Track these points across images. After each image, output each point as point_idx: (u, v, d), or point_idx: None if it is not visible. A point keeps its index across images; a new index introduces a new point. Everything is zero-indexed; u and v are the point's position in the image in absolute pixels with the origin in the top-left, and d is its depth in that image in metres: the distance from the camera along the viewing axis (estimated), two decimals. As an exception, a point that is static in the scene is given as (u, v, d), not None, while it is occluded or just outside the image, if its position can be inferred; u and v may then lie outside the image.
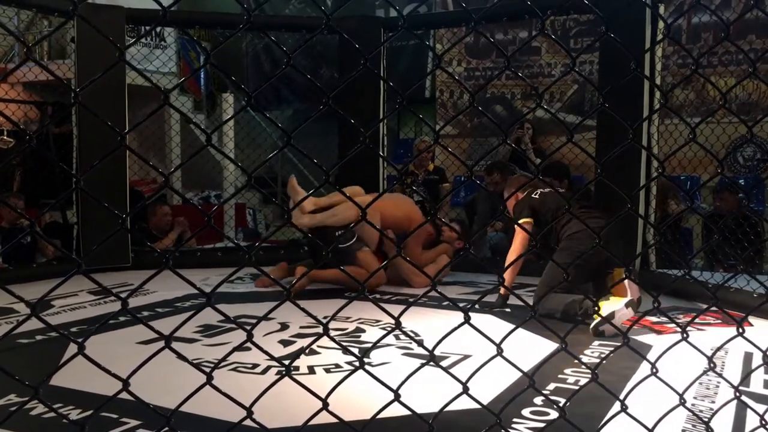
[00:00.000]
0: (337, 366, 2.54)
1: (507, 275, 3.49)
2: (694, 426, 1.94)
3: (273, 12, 7.75)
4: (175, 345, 0.96)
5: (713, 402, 2.15)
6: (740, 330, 1.26)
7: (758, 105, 5.88)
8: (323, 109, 1.06)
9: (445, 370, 1.11)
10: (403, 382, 1.10)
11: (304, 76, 1.03)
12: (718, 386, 2.29)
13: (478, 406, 1.21)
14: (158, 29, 7.32)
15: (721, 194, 5.23)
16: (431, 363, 1.11)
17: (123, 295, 0.94)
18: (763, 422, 1.31)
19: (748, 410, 1.86)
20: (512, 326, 1.20)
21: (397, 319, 1.06)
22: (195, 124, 5.75)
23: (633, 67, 1.41)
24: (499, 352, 1.12)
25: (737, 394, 1.28)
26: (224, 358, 1.08)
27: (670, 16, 5.34)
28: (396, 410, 1.13)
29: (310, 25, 5.58)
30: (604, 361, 1.43)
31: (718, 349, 1.39)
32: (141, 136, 6.88)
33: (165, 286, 3.75)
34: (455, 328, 1.11)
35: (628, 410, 1.22)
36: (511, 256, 3.59)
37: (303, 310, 1.08)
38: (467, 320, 1.09)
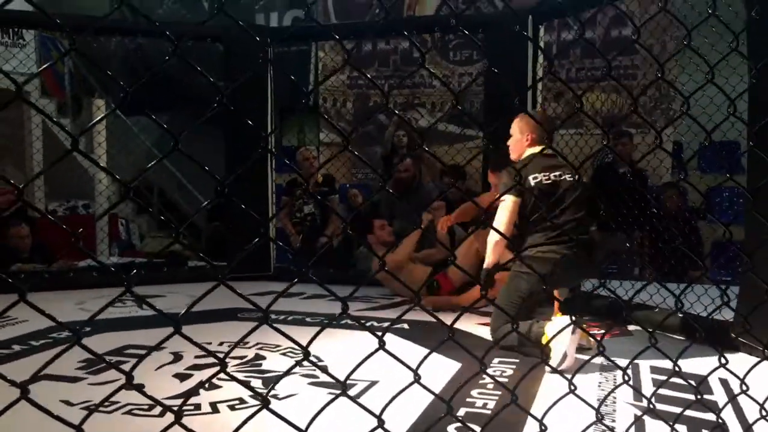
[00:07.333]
0: (242, 401, 2.27)
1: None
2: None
3: (145, 11, 7.31)
4: (57, 385, 0.81)
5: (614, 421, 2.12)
6: (653, 341, 1.25)
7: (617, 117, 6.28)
8: (215, 109, 0.93)
9: (358, 403, 1.00)
10: (312, 421, 0.97)
11: (180, 82, 0.89)
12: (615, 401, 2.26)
13: (391, 437, 1.10)
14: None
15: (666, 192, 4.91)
16: (342, 395, 0.99)
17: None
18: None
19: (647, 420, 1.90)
20: (414, 345, 1.10)
21: (305, 349, 0.93)
22: (59, 126, 5.24)
23: (516, 104, 1.37)
24: (417, 379, 1.02)
25: (650, 405, 1.27)
26: (103, 402, 0.91)
27: (546, 33, 5.57)
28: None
29: (193, 33, 5.28)
30: (518, 383, 1.38)
31: (630, 362, 1.38)
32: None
33: (36, 314, 3.29)
34: (369, 355, 1.00)
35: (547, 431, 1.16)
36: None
37: (190, 340, 0.93)
38: (382, 346, 0.99)
